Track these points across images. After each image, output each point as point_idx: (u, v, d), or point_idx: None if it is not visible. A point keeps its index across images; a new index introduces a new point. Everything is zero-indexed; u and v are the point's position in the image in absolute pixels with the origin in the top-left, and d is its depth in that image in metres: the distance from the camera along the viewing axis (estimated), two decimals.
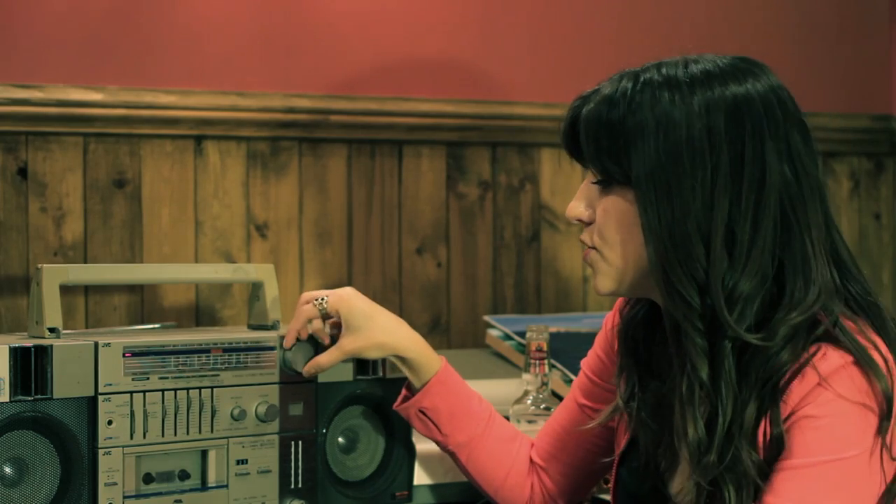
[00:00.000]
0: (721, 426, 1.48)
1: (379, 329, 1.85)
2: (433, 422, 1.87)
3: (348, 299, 1.86)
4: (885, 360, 1.49)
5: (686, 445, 1.52)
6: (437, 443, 1.90)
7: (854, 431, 1.46)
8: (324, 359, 1.87)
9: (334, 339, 1.89)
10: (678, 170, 1.49)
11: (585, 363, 1.83)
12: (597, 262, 1.59)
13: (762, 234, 1.50)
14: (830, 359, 1.47)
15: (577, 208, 1.60)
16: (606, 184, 1.57)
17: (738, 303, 1.49)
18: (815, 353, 1.47)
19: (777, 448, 1.48)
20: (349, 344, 1.85)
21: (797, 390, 1.47)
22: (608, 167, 1.54)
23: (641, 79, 1.54)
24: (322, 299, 1.86)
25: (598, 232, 1.58)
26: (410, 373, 1.87)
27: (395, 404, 1.91)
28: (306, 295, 1.88)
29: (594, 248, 1.59)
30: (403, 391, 1.91)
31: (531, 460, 1.90)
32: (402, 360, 1.87)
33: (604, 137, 1.54)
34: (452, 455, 1.90)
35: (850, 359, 1.47)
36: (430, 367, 1.87)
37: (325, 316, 1.87)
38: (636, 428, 1.65)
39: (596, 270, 1.60)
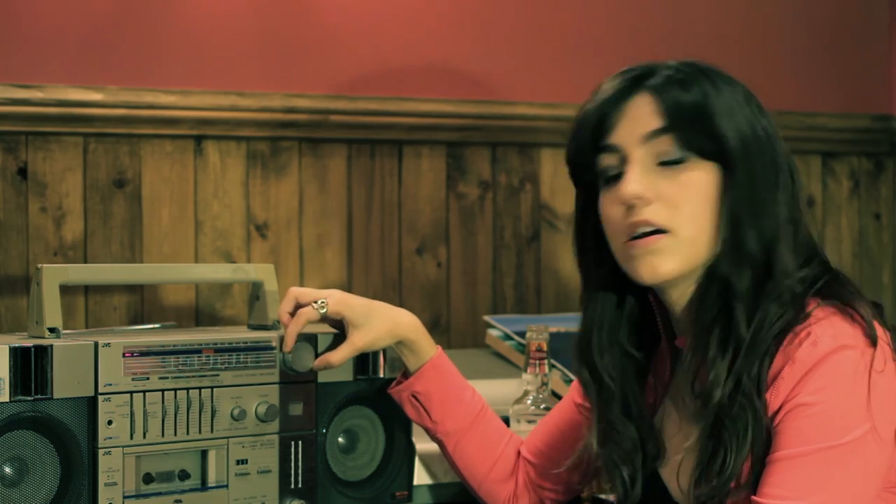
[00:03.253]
0: (730, 381, 1.51)
1: (382, 319, 1.88)
2: (424, 407, 1.89)
3: (346, 299, 1.88)
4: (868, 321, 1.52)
5: (690, 403, 1.55)
6: (427, 430, 1.92)
7: (850, 416, 1.46)
8: (335, 356, 1.86)
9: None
10: (760, 145, 1.56)
11: None
12: (666, 244, 1.56)
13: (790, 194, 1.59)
14: (821, 343, 1.48)
15: (637, 187, 1.56)
16: (682, 158, 1.57)
17: (783, 275, 1.55)
18: (805, 339, 1.49)
19: (770, 439, 1.50)
20: (360, 339, 1.86)
21: (788, 378, 1.48)
22: (697, 138, 1.56)
23: (692, 64, 1.60)
24: (322, 302, 1.86)
25: (673, 206, 1.56)
26: (410, 355, 1.89)
27: (390, 388, 1.92)
28: (294, 290, 1.88)
29: (663, 229, 1.56)
30: (398, 376, 1.93)
31: (522, 457, 1.91)
32: (404, 343, 1.89)
33: (688, 107, 1.56)
34: (440, 444, 1.92)
35: (839, 343, 1.47)
36: (427, 352, 1.90)
37: (323, 318, 1.87)
38: (605, 471, 1.69)
39: (662, 253, 1.57)
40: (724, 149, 1.55)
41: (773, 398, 1.49)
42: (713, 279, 1.56)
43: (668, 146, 1.57)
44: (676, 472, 1.61)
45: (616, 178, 1.59)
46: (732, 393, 1.50)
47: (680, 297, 1.61)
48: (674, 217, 1.56)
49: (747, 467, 1.51)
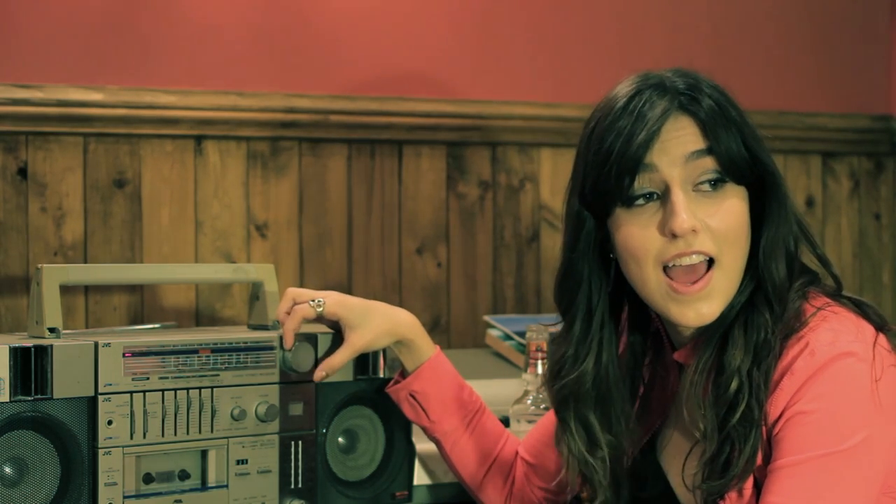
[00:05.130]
0: (741, 403, 1.51)
1: (380, 318, 1.88)
2: (422, 407, 1.89)
3: (342, 300, 1.88)
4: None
5: (699, 425, 1.54)
6: (424, 429, 1.92)
7: (848, 422, 1.46)
8: (336, 359, 1.87)
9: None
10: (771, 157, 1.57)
11: None
12: (715, 284, 1.54)
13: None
14: (819, 353, 1.48)
15: (690, 220, 1.52)
16: (720, 183, 1.54)
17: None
18: (803, 349, 1.48)
19: (772, 447, 1.50)
20: (358, 340, 1.87)
21: (787, 388, 1.48)
22: (737, 165, 1.54)
23: (703, 80, 1.57)
24: (319, 301, 1.86)
25: (721, 236, 1.54)
26: (408, 354, 1.89)
27: (387, 387, 1.92)
28: (291, 291, 1.88)
29: (712, 258, 1.54)
30: (396, 375, 1.93)
31: (519, 456, 1.91)
32: (403, 342, 1.89)
33: (733, 132, 1.55)
34: (437, 443, 1.92)
35: (838, 351, 1.47)
36: (425, 352, 1.90)
37: (319, 318, 1.87)
38: (589, 485, 1.68)
39: (714, 296, 1.55)
40: (763, 172, 1.55)
41: (773, 407, 1.49)
42: (744, 307, 1.56)
43: (708, 169, 1.54)
44: (681, 472, 1.61)
45: (646, 198, 1.55)
46: (742, 388, 1.50)
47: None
48: (721, 247, 1.54)
49: (750, 480, 1.51)
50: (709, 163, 1.54)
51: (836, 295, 1.57)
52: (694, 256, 1.53)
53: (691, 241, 1.52)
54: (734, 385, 1.51)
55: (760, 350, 1.51)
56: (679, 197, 1.52)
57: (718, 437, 1.51)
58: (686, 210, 1.51)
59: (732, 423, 1.50)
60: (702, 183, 1.54)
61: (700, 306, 1.54)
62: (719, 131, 1.53)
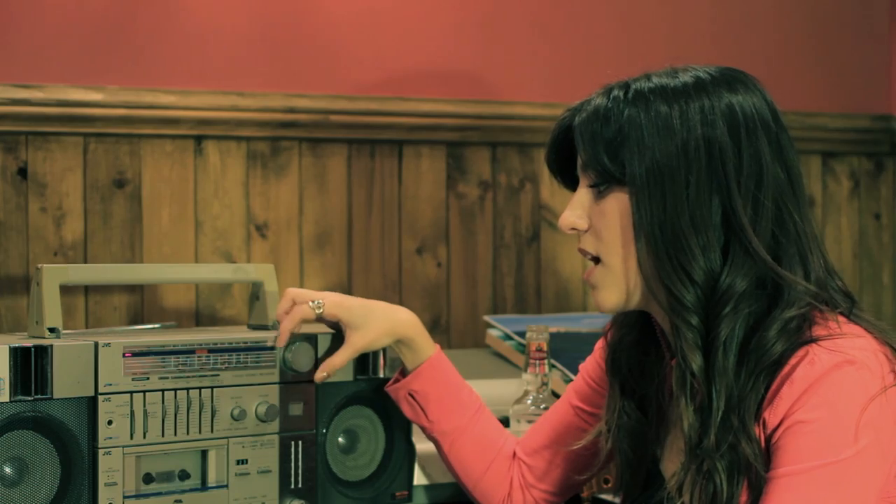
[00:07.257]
0: (716, 414, 1.50)
1: (380, 318, 1.89)
2: (421, 406, 1.89)
3: (342, 301, 1.88)
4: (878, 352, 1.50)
5: (683, 434, 1.54)
6: (423, 429, 1.92)
7: (846, 432, 1.45)
8: (336, 360, 1.88)
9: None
10: (674, 169, 1.53)
11: (584, 367, 1.85)
12: (601, 276, 1.60)
13: (759, 233, 1.52)
14: (819, 362, 1.47)
15: (570, 217, 1.62)
16: (603, 186, 1.59)
17: (733, 300, 1.51)
18: (803, 358, 1.47)
19: (770, 456, 1.49)
20: (359, 340, 1.87)
21: (787, 396, 1.47)
22: (606, 166, 1.57)
23: (633, 87, 1.58)
24: (318, 303, 1.86)
25: (597, 235, 1.60)
26: (408, 353, 1.90)
27: (387, 385, 1.93)
28: (291, 291, 1.88)
29: (596, 257, 1.60)
30: (396, 374, 1.93)
31: (518, 457, 1.91)
32: (403, 341, 1.89)
33: (600, 139, 1.57)
34: (436, 442, 1.92)
35: (838, 359, 1.46)
36: (425, 351, 1.90)
37: (318, 319, 1.88)
38: (613, 450, 1.70)
39: (599, 286, 1.61)
40: (625, 175, 1.55)
41: (772, 416, 1.48)
42: (655, 299, 1.58)
43: (591, 176, 1.60)
44: (679, 488, 1.60)
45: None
46: (721, 435, 1.50)
47: (661, 322, 1.62)
48: (599, 245, 1.60)
49: (744, 488, 1.51)
50: (591, 171, 1.60)
51: (849, 313, 1.55)
52: (585, 254, 1.62)
53: (580, 237, 1.62)
54: (707, 442, 1.51)
55: (751, 358, 1.51)
56: (574, 196, 1.63)
57: (699, 473, 1.51)
58: (572, 206, 1.62)
59: (713, 466, 1.50)
60: (591, 186, 1.61)
61: (594, 293, 1.62)
62: (594, 143, 1.58)
